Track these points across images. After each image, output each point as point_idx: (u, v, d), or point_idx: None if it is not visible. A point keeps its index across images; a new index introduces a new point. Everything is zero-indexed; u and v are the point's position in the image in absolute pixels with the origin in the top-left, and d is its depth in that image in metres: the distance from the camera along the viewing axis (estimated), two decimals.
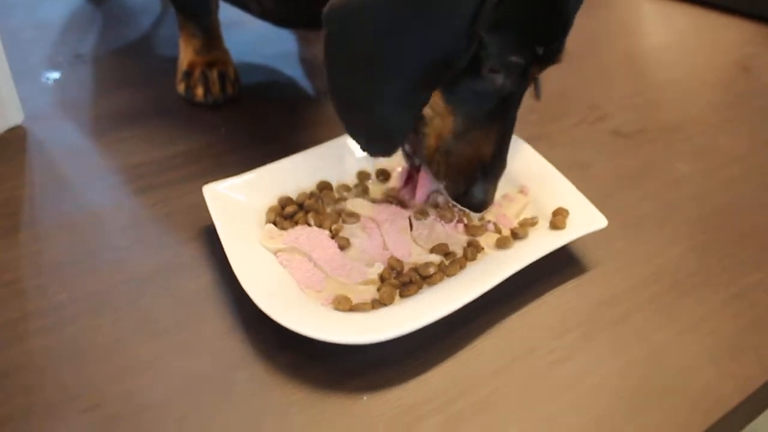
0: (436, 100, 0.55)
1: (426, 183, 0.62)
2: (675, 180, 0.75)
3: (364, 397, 0.51)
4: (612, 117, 0.85)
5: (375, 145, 0.57)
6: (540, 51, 0.53)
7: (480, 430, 0.49)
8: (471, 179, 0.57)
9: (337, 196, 0.65)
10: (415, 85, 0.52)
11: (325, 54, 0.53)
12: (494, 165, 0.57)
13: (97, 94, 0.81)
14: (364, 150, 0.57)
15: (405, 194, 0.65)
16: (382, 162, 0.68)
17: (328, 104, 0.82)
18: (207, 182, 0.62)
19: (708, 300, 0.60)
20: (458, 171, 0.57)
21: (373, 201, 0.64)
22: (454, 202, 0.59)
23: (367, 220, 0.62)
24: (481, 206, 0.58)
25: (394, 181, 0.67)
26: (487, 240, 0.61)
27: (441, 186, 0.59)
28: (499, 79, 0.54)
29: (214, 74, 0.78)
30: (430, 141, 0.57)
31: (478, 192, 0.57)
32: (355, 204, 0.63)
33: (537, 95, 0.60)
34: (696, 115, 0.88)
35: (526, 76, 0.55)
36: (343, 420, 0.49)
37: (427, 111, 0.56)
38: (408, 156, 0.62)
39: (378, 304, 0.54)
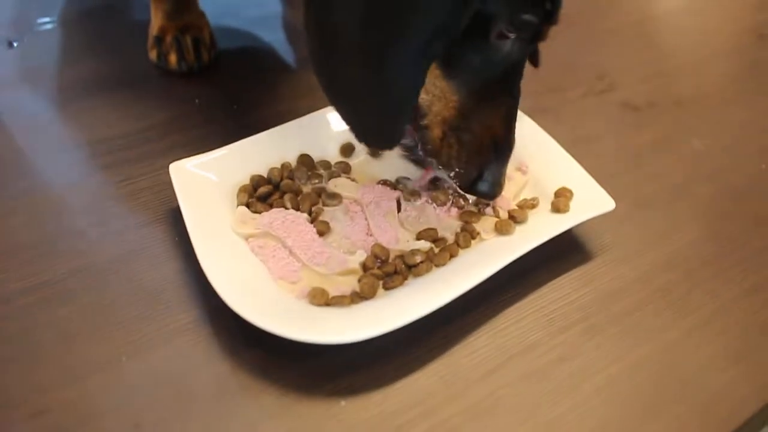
0: (434, 81, 0.49)
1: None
2: (688, 157, 0.70)
3: (342, 402, 0.45)
4: (621, 88, 0.79)
5: (375, 132, 0.51)
6: (549, 6, 0.47)
7: None
8: (483, 162, 0.51)
9: (317, 173, 0.59)
10: (417, 50, 0.46)
11: (310, 24, 0.47)
12: (504, 144, 0.52)
13: (60, 62, 0.75)
14: (363, 141, 0.51)
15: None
16: None
17: (308, 73, 0.75)
18: (179, 158, 0.56)
19: (723, 293, 0.56)
20: (470, 154, 0.51)
21: (357, 180, 0.58)
22: (464, 193, 0.54)
23: (350, 201, 0.56)
24: (495, 192, 0.53)
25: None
26: (482, 224, 0.55)
27: (447, 176, 0.53)
28: (506, 45, 0.48)
29: (187, 40, 0.72)
30: (434, 131, 0.51)
31: (490, 176, 0.52)
32: (337, 184, 0.57)
33: (535, 62, 0.54)
34: (710, 86, 0.82)
35: (535, 39, 0.49)
36: (318, 428, 0.44)
37: (423, 99, 0.50)
38: (406, 150, 0.57)
39: (358, 297, 0.49)
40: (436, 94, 0.49)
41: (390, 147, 0.52)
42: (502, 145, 0.52)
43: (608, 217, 0.56)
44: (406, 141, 0.54)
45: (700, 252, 0.59)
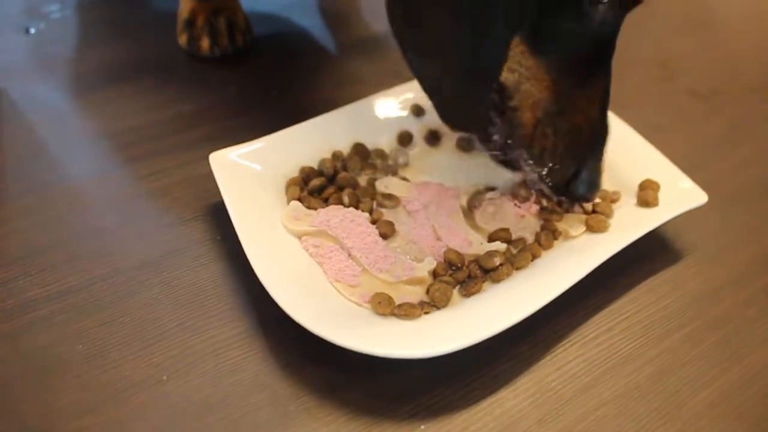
0: (520, 58, 0.43)
1: None
2: (765, 148, 0.63)
3: (422, 426, 0.39)
4: (684, 75, 0.73)
5: (459, 105, 0.45)
6: None
7: None
8: (581, 156, 0.45)
9: (371, 163, 0.53)
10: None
11: None
12: (601, 133, 0.45)
13: (81, 49, 0.69)
14: (448, 121, 0.45)
15: None
16: (431, 123, 0.56)
17: (353, 60, 0.70)
18: (214, 149, 0.50)
19: None
20: (568, 146, 0.45)
21: (410, 179, 0.52)
22: (560, 196, 0.47)
23: (410, 201, 0.49)
24: (592, 194, 0.46)
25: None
26: (566, 221, 0.49)
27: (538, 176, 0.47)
28: (600, 12, 0.42)
29: (221, 23, 0.66)
30: (524, 114, 0.45)
31: (587, 174, 0.45)
32: (387, 184, 0.51)
33: None
34: None
35: (630, 3, 0.43)
36: None
37: (508, 78, 0.44)
38: (497, 148, 0.49)
39: (429, 306, 0.43)
40: (524, 74, 0.43)
41: (475, 128, 0.46)
42: (598, 135, 0.45)
43: (693, 214, 0.50)
44: (494, 136, 0.48)
45: None
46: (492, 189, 0.52)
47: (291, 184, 0.50)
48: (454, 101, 0.45)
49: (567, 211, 0.50)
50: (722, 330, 0.46)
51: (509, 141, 0.46)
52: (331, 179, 0.51)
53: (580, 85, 0.44)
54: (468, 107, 0.44)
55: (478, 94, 0.43)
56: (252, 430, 0.39)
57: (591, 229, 0.48)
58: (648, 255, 0.51)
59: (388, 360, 0.39)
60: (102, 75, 0.65)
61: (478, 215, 0.49)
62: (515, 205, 0.50)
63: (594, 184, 0.45)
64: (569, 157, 0.45)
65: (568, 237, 0.48)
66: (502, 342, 0.42)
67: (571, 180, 0.45)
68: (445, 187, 0.51)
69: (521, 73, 0.43)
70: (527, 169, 0.46)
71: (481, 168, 0.54)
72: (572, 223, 0.48)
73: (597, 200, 0.50)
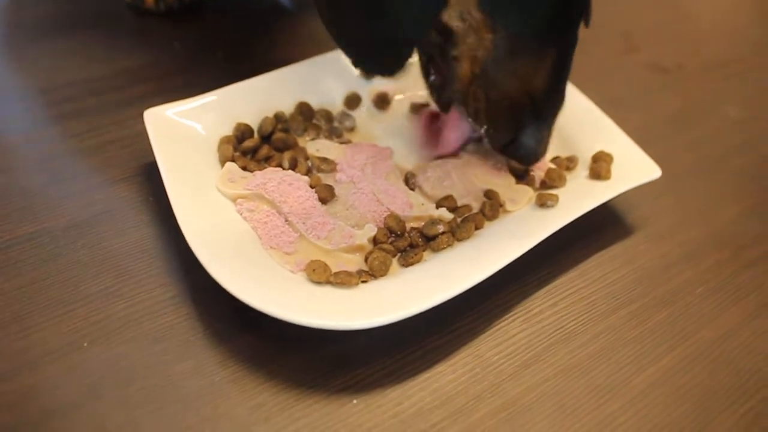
0: (471, 8, 0.40)
1: (458, 126, 0.48)
2: (723, 126, 0.63)
3: (354, 401, 0.38)
4: (647, 48, 0.72)
5: (373, 56, 0.42)
6: None
7: None
8: (519, 122, 0.43)
9: (315, 124, 0.51)
10: None
11: None
12: (550, 101, 0.43)
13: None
14: (357, 65, 0.43)
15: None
16: (381, 85, 0.54)
17: (307, 17, 0.67)
18: (152, 107, 0.47)
19: None
20: (502, 110, 0.43)
21: (343, 142, 0.50)
22: (498, 153, 0.46)
23: (347, 165, 0.47)
24: (532, 157, 0.45)
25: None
26: (512, 193, 0.47)
27: (479, 131, 0.45)
28: None
29: None
30: (463, 67, 0.42)
31: (528, 139, 0.43)
32: (318, 147, 0.48)
33: (587, 20, 0.45)
34: (742, 49, 0.74)
35: None
36: None
37: (458, 25, 0.41)
38: (433, 89, 0.47)
39: (367, 275, 0.41)
40: (472, 25, 0.41)
41: (393, 72, 0.43)
42: (548, 100, 0.43)
43: (645, 189, 0.49)
44: (433, 79, 0.45)
45: (747, 228, 0.52)
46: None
47: (224, 142, 0.47)
48: (376, 50, 0.42)
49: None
50: (670, 308, 0.45)
51: (445, 87, 0.45)
52: (267, 139, 0.48)
53: (527, 52, 0.41)
54: (392, 60, 0.42)
55: (406, 47, 0.41)
56: (176, 400, 0.37)
57: (539, 201, 0.46)
58: (599, 229, 0.49)
59: (322, 330, 0.37)
60: (38, 28, 0.61)
61: (422, 180, 0.47)
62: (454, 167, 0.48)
63: (535, 151, 0.44)
64: (504, 124, 0.43)
65: (514, 208, 0.46)
66: (442, 314, 0.40)
67: (507, 145, 0.43)
68: (378, 148, 0.49)
69: (471, 24, 0.41)
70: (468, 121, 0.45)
71: None
72: (520, 194, 0.47)
73: (551, 166, 0.48)
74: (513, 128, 0.44)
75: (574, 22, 0.42)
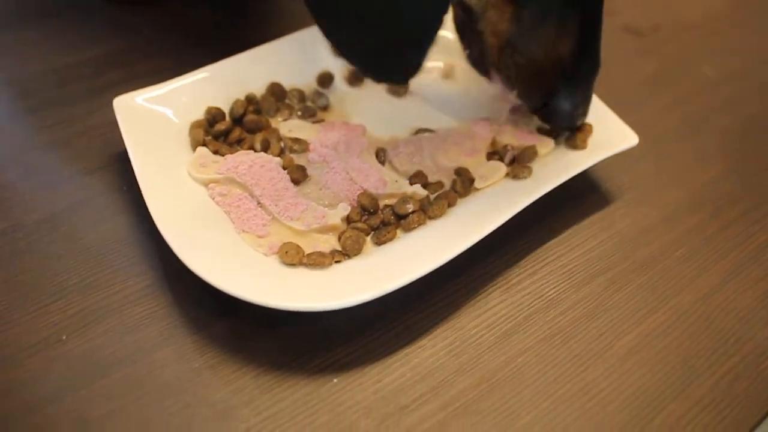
0: None
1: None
2: (701, 86, 0.62)
3: (334, 380, 0.38)
4: (621, 10, 0.71)
5: (384, 62, 0.40)
6: None
7: (490, 419, 0.37)
8: (550, 87, 0.44)
9: (287, 104, 0.50)
10: None
11: None
12: (581, 65, 0.45)
13: None
14: (366, 74, 0.43)
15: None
16: None
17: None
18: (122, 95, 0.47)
19: (758, 234, 0.49)
20: (530, 77, 0.44)
21: (317, 121, 0.50)
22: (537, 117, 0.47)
23: (319, 145, 0.47)
24: (568, 120, 0.46)
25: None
26: (484, 168, 0.47)
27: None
28: None
29: None
30: (490, 40, 0.44)
31: (563, 102, 0.45)
32: (291, 127, 0.48)
33: None
34: (718, 8, 0.74)
35: None
36: (308, 412, 0.36)
37: (476, 3, 0.42)
38: (472, 61, 0.49)
39: (341, 255, 0.41)
40: (490, 1, 0.41)
41: (407, 77, 0.41)
42: (575, 69, 0.44)
43: (623, 154, 0.48)
44: (468, 52, 0.47)
45: (726, 188, 0.52)
46: (428, 131, 0.50)
47: (195, 126, 0.46)
48: (383, 58, 0.40)
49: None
50: (649, 272, 0.45)
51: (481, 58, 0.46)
52: (238, 121, 0.48)
53: (548, 23, 0.42)
54: (409, 61, 0.39)
55: (417, 50, 0.38)
56: (157, 387, 0.37)
57: (512, 173, 0.46)
58: (577, 196, 0.49)
59: (298, 312, 0.37)
60: (4, 18, 0.60)
61: (393, 155, 0.47)
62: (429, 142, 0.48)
63: (567, 116, 0.46)
64: (534, 90, 0.44)
65: (483, 185, 0.46)
66: (420, 290, 0.40)
67: (541, 108, 0.45)
68: (351, 125, 0.49)
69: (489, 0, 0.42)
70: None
71: (411, 111, 0.51)
72: (491, 171, 0.46)
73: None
74: (543, 93, 0.45)
75: None
